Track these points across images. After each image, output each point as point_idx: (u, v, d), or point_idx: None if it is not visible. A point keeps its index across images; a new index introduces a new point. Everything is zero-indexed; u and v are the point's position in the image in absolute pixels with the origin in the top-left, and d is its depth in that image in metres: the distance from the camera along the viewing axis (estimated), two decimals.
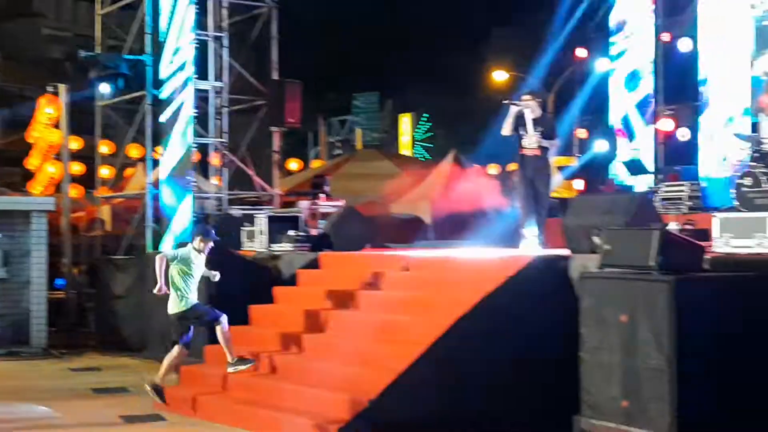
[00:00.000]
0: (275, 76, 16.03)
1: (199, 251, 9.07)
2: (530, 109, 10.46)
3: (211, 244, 9.15)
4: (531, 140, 10.38)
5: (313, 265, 10.89)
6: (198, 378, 9.61)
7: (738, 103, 16.08)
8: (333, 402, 7.82)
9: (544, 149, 10.44)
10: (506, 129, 10.52)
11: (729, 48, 17.24)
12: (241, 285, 10.44)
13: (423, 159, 35.98)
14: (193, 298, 9.02)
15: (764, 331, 6.31)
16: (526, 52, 24.93)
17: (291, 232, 11.93)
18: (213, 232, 9.33)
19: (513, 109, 10.50)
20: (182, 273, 8.95)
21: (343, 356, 8.50)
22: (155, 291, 8.96)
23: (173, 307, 8.97)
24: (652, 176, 17.47)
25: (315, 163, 27.41)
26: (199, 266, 9.08)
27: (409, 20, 30.30)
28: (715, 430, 6.22)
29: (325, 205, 14.42)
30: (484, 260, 9.31)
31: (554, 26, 22.47)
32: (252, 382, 8.97)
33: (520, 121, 10.46)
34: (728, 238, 7.43)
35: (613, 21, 20.12)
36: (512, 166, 27.25)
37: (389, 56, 31.23)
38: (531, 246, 9.96)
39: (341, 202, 14.41)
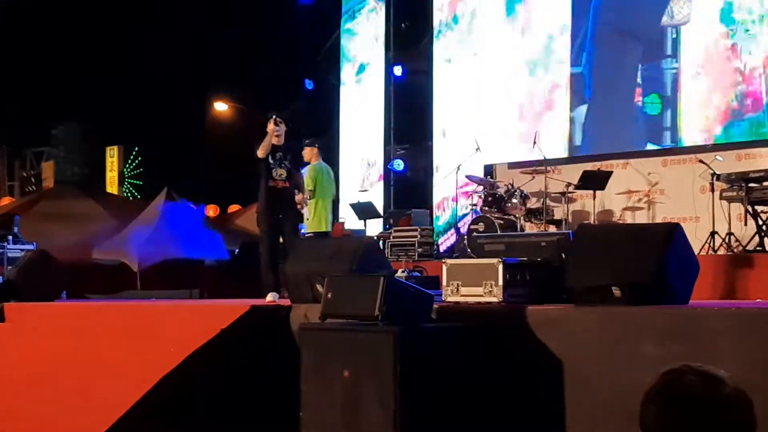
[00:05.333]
0: None
1: None
2: (282, 135, 10.45)
3: None
4: (281, 171, 10.35)
5: None
6: None
7: (470, 143, 16.87)
8: None
9: (293, 183, 10.46)
10: (263, 149, 10.26)
11: (461, 87, 18.14)
12: None
13: (132, 197, 35.37)
14: None
15: (486, 381, 6.58)
16: (251, 82, 25.07)
17: None
18: None
19: (272, 128, 10.33)
20: None
21: (32, 422, 8.15)
22: None
23: None
24: (382, 220, 17.98)
25: (3, 201, 26.32)
26: None
27: (118, 43, 29.70)
28: None
29: (13, 248, 13.89)
30: (196, 311, 9.23)
31: (280, 54, 22.83)
32: None
33: (273, 147, 10.36)
34: (457, 286, 7.71)
35: (346, 50, 20.70)
36: (235, 207, 27.16)
37: (94, 81, 30.43)
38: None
39: (32, 246, 13.92)
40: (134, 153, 42.21)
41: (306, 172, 11.99)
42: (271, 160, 10.34)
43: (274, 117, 10.45)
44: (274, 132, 10.33)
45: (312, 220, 12.15)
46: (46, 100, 34.31)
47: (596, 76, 16.21)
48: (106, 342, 9.12)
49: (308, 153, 12.18)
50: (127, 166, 42.20)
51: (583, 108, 16.31)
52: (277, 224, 10.30)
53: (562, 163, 15.97)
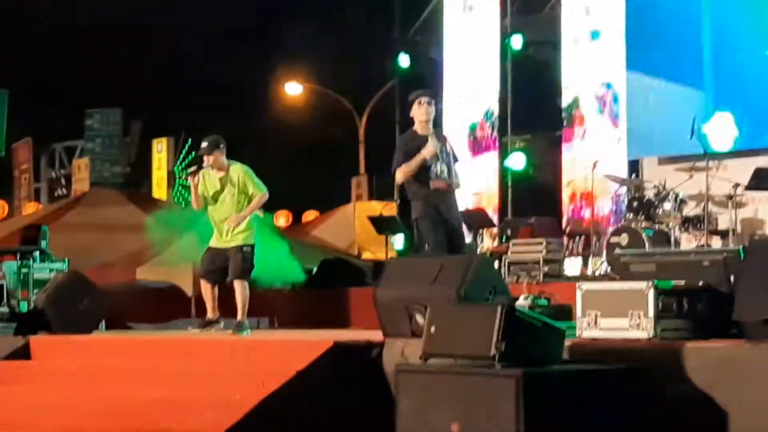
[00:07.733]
0: None
1: None
2: (431, 120, 10.53)
3: None
4: (443, 167, 10.40)
5: (22, 353, 10.61)
6: None
7: (607, 135, 16.76)
8: None
9: (455, 181, 10.58)
10: (405, 172, 10.29)
11: (602, 59, 18.01)
12: None
13: (185, 203, 35.78)
14: None
15: None
16: (329, 60, 25.25)
17: None
18: None
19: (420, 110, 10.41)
20: None
21: None
22: None
23: None
24: (496, 231, 17.92)
25: (28, 208, 26.84)
26: None
27: (162, 14, 30.05)
28: None
29: (40, 268, 14.11)
30: (265, 347, 9.29)
31: (367, 23, 22.94)
32: None
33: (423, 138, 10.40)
34: (595, 318, 7.65)
35: (450, 17, 20.69)
36: (311, 214, 27.21)
37: (137, 61, 30.83)
38: None
39: (63, 264, 14.14)
40: (187, 146, 42.73)
41: (240, 176, 11.79)
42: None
43: (419, 97, 10.47)
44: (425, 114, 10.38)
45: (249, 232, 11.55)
46: (78, 83, 34.68)
47: None
48: (154, 386, 9.21)
49: (219, 155, 11.82)
50: (179, 163, 42.68)
51: None
52: (447, 232, 10.35)
53: (729, 158, 15.69)
